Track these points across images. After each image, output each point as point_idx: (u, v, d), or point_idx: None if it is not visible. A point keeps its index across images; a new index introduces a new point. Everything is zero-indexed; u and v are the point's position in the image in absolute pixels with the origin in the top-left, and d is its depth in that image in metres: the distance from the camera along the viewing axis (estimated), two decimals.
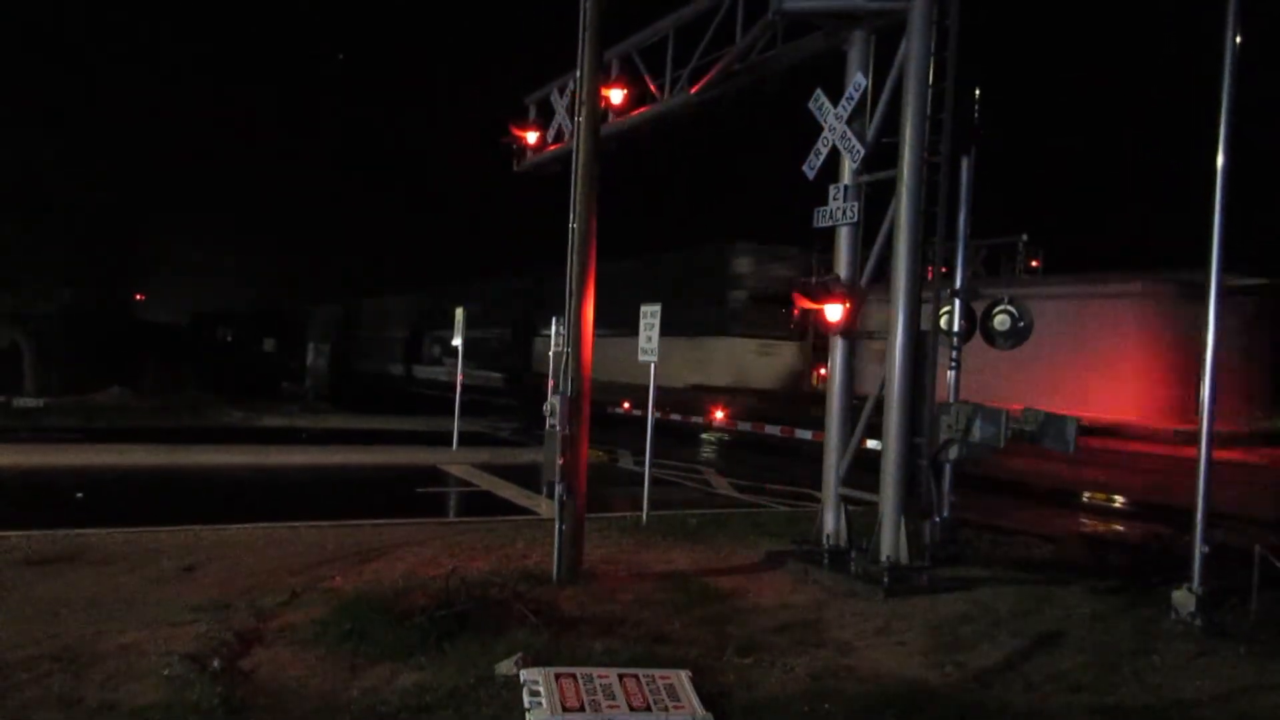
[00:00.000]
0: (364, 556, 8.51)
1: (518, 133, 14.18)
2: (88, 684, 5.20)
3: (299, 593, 7.17)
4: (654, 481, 11.38)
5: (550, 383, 8.28)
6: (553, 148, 13.78)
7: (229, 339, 33.23)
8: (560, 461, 7.79)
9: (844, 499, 8.94)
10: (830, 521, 8.96)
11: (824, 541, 8.90)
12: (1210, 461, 7.19)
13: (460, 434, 17.83)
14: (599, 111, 8.37)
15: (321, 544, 8.99)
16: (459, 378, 17.95)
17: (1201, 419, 7.25)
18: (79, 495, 11.46)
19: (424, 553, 8.73)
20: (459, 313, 17.82)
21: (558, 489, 7.84)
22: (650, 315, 10.89)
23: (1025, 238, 19.10)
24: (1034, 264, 19.48)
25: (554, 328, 14.82)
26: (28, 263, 24.07)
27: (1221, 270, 7.22)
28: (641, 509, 10.88)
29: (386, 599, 6.71)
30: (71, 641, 5.88)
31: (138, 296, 32.94)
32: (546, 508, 11.16)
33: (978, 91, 8.87)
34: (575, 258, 8.00)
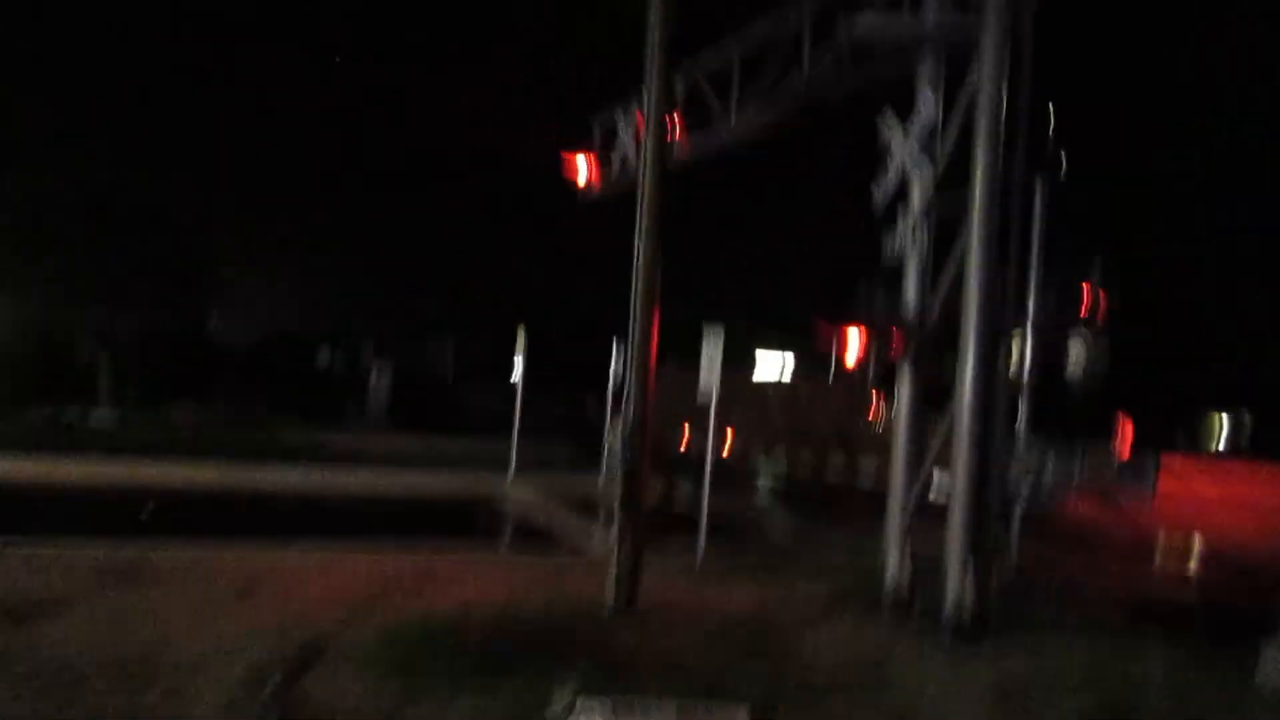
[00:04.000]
0: (419, 584, 8.55)
1: (571, 158, 14.20)
2: (146, 699, 5.31)
3: (353, 619, 7.21)
4: (714, 516, 11.25)
5: (611, 411, 8.36)
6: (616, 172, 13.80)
7: (305, 360, 34.18)
8: (620, 492, 7.80)
9: (909, 543, 8.70)
10: (893, 566, 8.72)
11: (887, 587, 8.69)
12: None
13: (519, 458, 17.59)
14: (667, 140, 8.40)
15: (376, 570, 9.05)
16: (518, 401, 17.95)
17: None
18: (147, 508, 11.80)
19: (478, 583, 8.75)
20: (520, 332, 17.73)
21: (617, 519, 7.83)
22: (714, 338, 10.63)
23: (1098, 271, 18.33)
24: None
25: (614, 351, 14.91)
26: (103, 280, 24.98)
27: None
28: (701, 544, 10.76)
29: (441, 629, 6.74)
30: (132, 656, 5.98)
31: (210, 316, 33.91)
32: (604, 539, 11.10)
33: (1052, 114, 8.69)
34: (640, 283, 8.03)
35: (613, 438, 8.11)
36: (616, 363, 14.49)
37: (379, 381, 32.17)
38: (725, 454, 20.26)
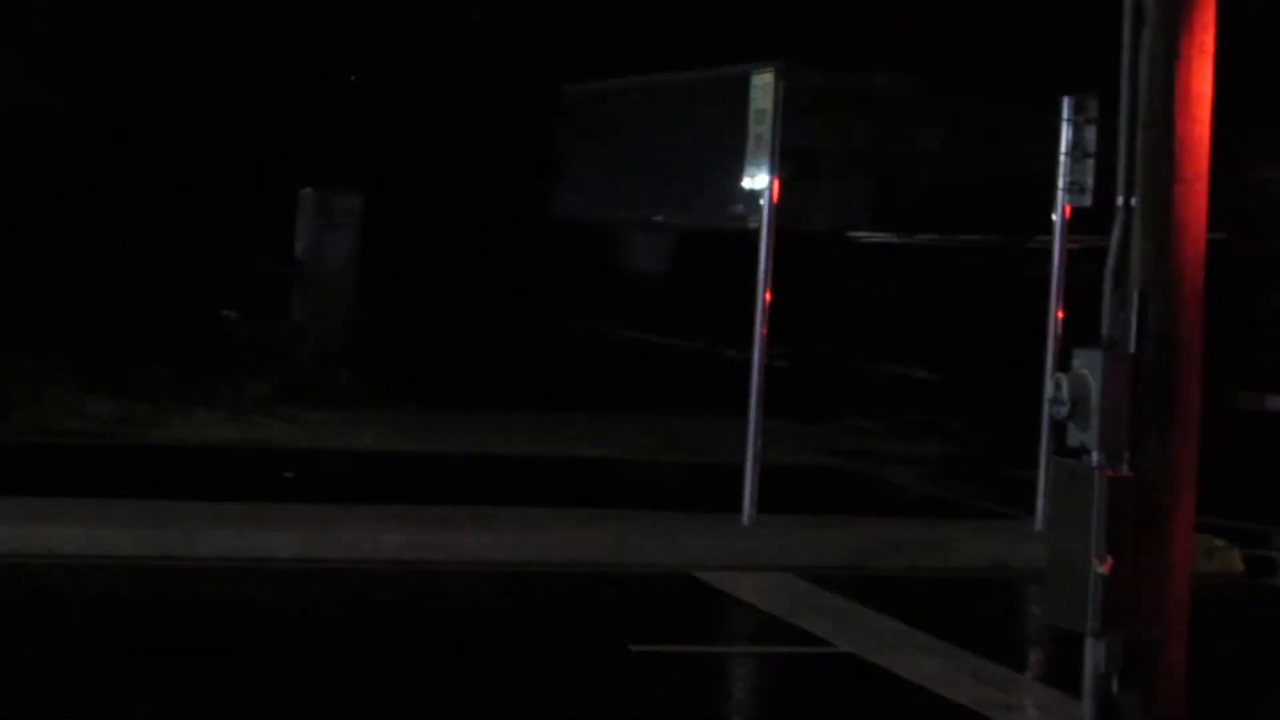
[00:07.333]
0: None
1: None
2: None
3: None
4: None
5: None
6: None
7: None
8: (1105, 568, 7.71)
9: None
10: None
11: None
12: None
13: (765, 471, 17.64)
14: None
15: None
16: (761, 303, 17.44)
17: None
18: None
19: None
20: (762, 81, 17.67)
21: (1092, 657, 7.82)
22: None
23: None
24: None
25: (1065, 129, 14.49)
26: None
27: None
28: None
29: None
30: None
31: None
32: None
33: None
34: (1149, 84, 7.87)
35: (1055, 397, 7.90)
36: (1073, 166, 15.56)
37: (317, 248, 31.77)
38: None
